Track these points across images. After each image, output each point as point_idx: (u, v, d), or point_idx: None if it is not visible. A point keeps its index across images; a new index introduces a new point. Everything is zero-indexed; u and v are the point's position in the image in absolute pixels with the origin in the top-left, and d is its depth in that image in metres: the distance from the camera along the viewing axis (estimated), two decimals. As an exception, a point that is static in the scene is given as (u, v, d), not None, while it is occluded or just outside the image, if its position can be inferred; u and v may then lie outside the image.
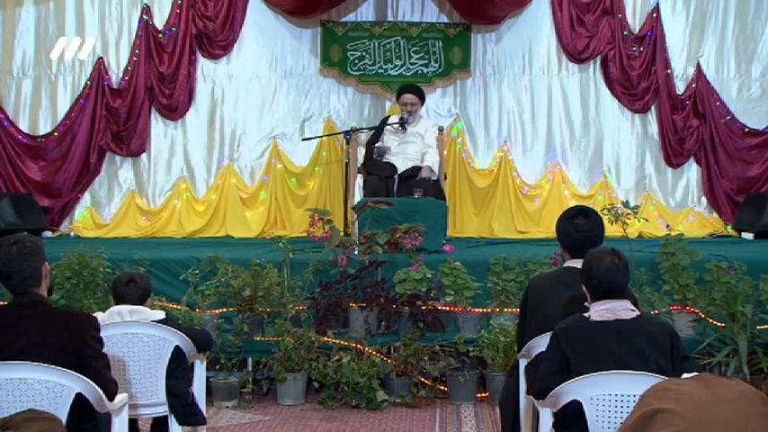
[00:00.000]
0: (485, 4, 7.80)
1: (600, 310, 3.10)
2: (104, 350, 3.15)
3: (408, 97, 7.29)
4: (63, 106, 8.25)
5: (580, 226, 3.64)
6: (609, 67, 8.22)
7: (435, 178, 7.14)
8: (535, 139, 8.31)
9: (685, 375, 2.17)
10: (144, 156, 8.30)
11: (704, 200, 8.30)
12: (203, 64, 8.33)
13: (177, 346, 3.87)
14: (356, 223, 6.42)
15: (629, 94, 8.23)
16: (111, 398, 3.12)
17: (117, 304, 3.95)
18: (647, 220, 7.06)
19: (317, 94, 8.35)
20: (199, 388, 4.23)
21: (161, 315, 3.94)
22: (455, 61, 8.26)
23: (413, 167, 7.19)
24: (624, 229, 5.89)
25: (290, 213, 8.23)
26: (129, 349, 3.80)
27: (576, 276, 3.29)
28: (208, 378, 4.80)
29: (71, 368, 2.95)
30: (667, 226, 7.63)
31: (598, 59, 8.29)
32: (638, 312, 3.14)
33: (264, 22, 8.31)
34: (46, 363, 2.91)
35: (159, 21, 8.24)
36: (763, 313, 5.62)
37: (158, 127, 8.33)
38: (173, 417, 3.93)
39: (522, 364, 3.74)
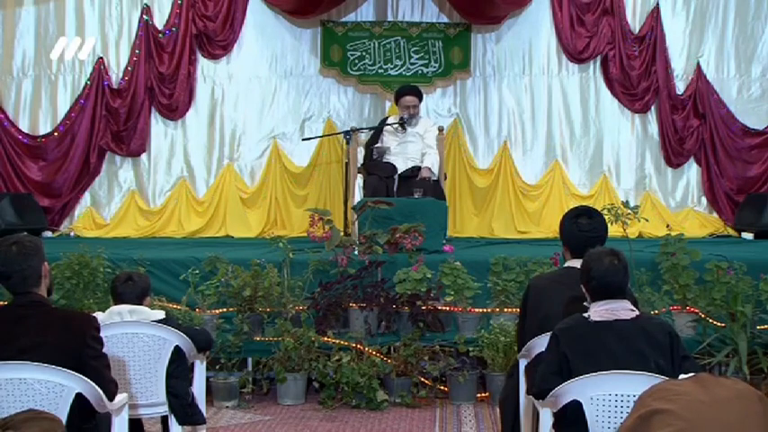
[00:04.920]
0: (485, 4, 7.79)
1: (599, 311, 3.11)
2: (104, 350, 3.15)
3: (409, 99, 7.29)
4: (63, 106, 8.25)
5: (583, 226, 3.65)
6: (609, 67, 8.22)
7: (435, 178, 7.14)
8: (535, 139, 8.31)
9: (683, 376, 2.18)
10: (144, 156, 8.30)
11: (704, 200, 8.30)
12: (203, 64, 8.33)
13: (177, 346, 3.87)
14: (356, 223, 6.42)
15: (629, 94, 8.23)
16: (111, 398, 3.12)
17: (116, 303, 3.96)
18: (647, 220, 7.06)
19: (316, 94, 8.35)
20: (199, 388, 4.23)
21: (161, 315, 3.94)
22: (455, 61, 8.26)
23: (413, 167, 7.20)
24: (624, 229, 5.89)
25: (290, 213, 8.23)
26: (129, 349, 3.80)
27: (576, 276, 3.29)
28: (208, 378, 4.80)
29: (71, 368, 2.95)
30: (667, 226, 7.65)
31: (598, 59, 8.29)
32: (637, 312, 3.14)
33: (264, 22, 8.31)
34: (46, 363, 2.91)
35: (159, 21, 8.24)
36: (763, 313, 5.62)
37: (158, 127, 8.33)
38: (173, 417, 3.93)
39: (522, 364, 3.74)
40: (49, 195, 8.15)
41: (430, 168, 7.11)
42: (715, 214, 8.26)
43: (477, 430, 5.07)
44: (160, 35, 8.19)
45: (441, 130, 7.57)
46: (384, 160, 7.25)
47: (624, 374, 2.91)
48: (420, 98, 7.38)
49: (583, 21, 8.20)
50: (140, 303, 3.95)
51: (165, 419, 4.05)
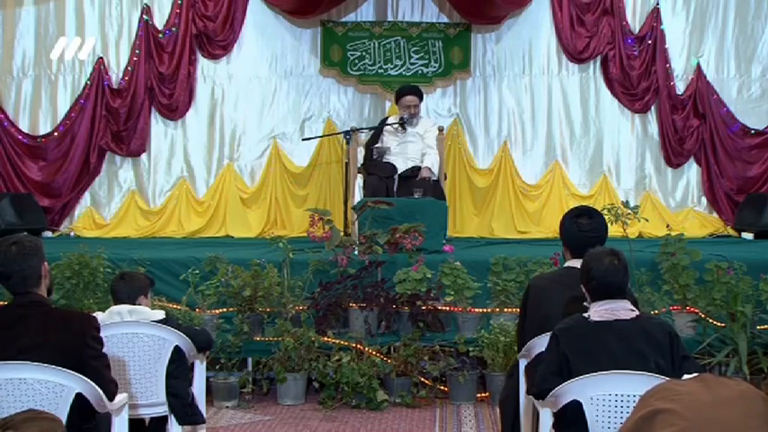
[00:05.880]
0: (485, 4, 7.79)
1: (599, 311, 3.10)
2: (104, 350, 3.15)
3: (409, 99, 7.28)
4: (63, 106, 8.25)
5: (584, 226, 3.65)
6: (609, 67, 8.22)
7: (435, 178, 7.14)
8: (535, 139, 8.31)
9: (686, 376, 2.17)
10: (144, 156, 8.29)
11: (704, 200, 8.30)
12: (203, 64, 8.33)
13: (177, 346, 3.87)
14: (356, 223, 6.42)
15: (629, 94, 8.23)
16: (111, 398, 3.12)
17: (114, 302, 3.96)
18: (647, 220, 7.06)
19: (316, 94, 8.35)
20: (199, 388, 4.23)
21: (161, 315, 3.94)
22: (455, 61, 8.26)
23: (413, 167, 7.20)
24: (624, 229, 5.89)
25: (290, 213, 8.23)
26: (129, 349, 3.80)
27: (576, 276, 3.29)
28: (208, 378, 4.80)
29: (71, 368, 2.95)
30: (667, 226, 7.65)
31: (598, 59, 8.29)
32: (637, 312, 3.13)
33: (264, 22, 8.31)
34: (46, 363, 2.91)
35: (159, 21, 8.24)
36: (763, 313, 5.62)
37: (158, 127, 8.33)
38: (173, 417, 3.93)
39: (522, 364, 3.74)
40: (49, 195, 8.14)
41: (430, 168, 7.11)
42: (715, 214, 8.26)
43: (477, 430, 5.07)
44: (160, 35, 8.19)
45: (441, 130, 7.56)
46: (384, 160, 7.25)
47: (624, 374, 2.91)
48: (420, 98, 7.39)
49: (583, 21, 8.20)
50: (134, 302, 3.94)
51: (158, 420, 4.05)
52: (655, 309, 5.55)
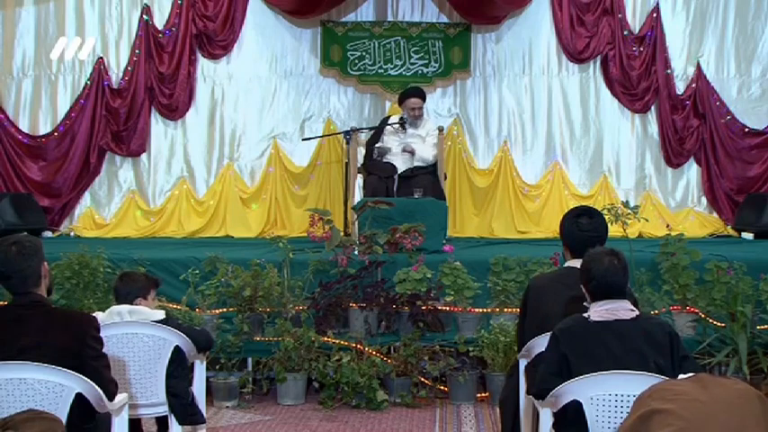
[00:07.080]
0: (485, 4, 7.80)
1: (599, 311, 3.10)
2: (104, 350, 3.15)
3: (414, 101, 7.29)
4: (63, 106, 8.26)
5: (584, 226, 3.65)
6: (609, 67, 8.22)
7: (426, 164, 7.14)
8: (535, 139, 8.31)
9: (682, 376, 2.18)
10: (144, 156, 8.30)
11: (704, 200, 8.30)
12: (203, 64, 8.33)
13: (177, 346, 3.87)
14: (356, 223, 6.42)
15: (629, 94, 8.23)
16: (111, 398, 3.12)
17: (116, 302, 3.96)
18: (647, 220, 7.06)
19: (316, 94, 8.35)
20: (199, 388, 4.23)
21: (161, 315, 3.94)
22: (455, 61, 8.26)
23: (413, 167, 7.20)
24: (624, 229, 5.89)
25: (290, 213, 8.24)
26: (129, 349, 3.80)
27: (576, 276, 3.29)
28: (208, 378, 4.80)
29: (71, 368, 2.95)
30: (667, 226, 7.65)
31: (598, 59, 8.29)
32: (637, 312, 3.14)
33: (264, 22, 8.31)
34: (46, 363, 2.91)
35: (159, 21, 8.24)
36: (763, 313, 5.62)
37: (158, 127, 8.33)
38: (173, 416, 3.93)
39: (522, 364, 3.74)
40: (49, 195, 8.15)
41: (416, 151, 7.15)
42: (715, 214, 8.26)
43: (477, 430, 5.07)
44: (160, 35, 8.19)
45: (441, 130, 7.56)
46: (384, 160, 7.25)
47: (624, 374, 2.91)
48: (424, 100, 7.41)
49: (583, 21, 8.20)
50: (133, 302, 3.94)
51: (161, 420, 4.05)
52: (655, 309, 5.55)
